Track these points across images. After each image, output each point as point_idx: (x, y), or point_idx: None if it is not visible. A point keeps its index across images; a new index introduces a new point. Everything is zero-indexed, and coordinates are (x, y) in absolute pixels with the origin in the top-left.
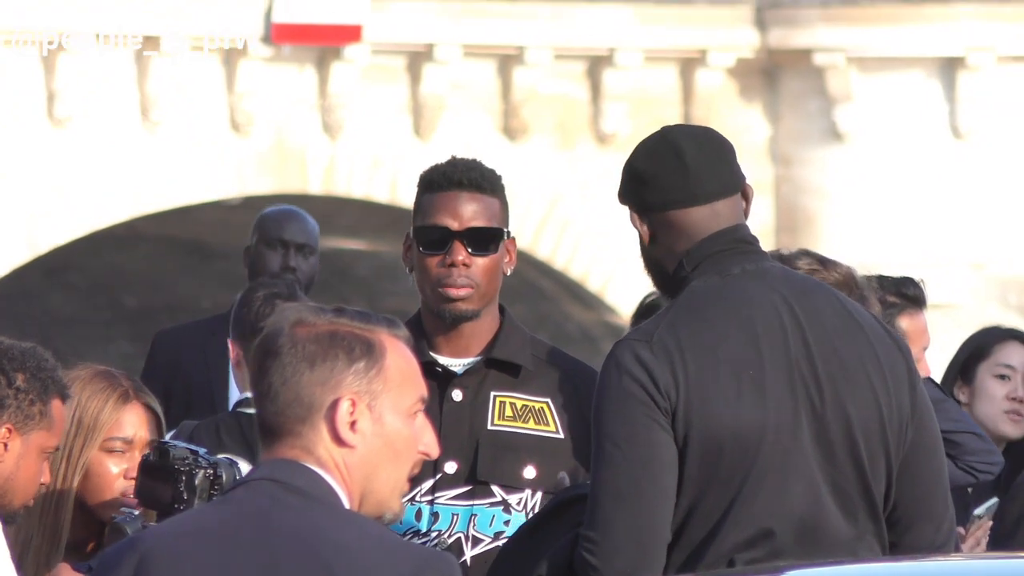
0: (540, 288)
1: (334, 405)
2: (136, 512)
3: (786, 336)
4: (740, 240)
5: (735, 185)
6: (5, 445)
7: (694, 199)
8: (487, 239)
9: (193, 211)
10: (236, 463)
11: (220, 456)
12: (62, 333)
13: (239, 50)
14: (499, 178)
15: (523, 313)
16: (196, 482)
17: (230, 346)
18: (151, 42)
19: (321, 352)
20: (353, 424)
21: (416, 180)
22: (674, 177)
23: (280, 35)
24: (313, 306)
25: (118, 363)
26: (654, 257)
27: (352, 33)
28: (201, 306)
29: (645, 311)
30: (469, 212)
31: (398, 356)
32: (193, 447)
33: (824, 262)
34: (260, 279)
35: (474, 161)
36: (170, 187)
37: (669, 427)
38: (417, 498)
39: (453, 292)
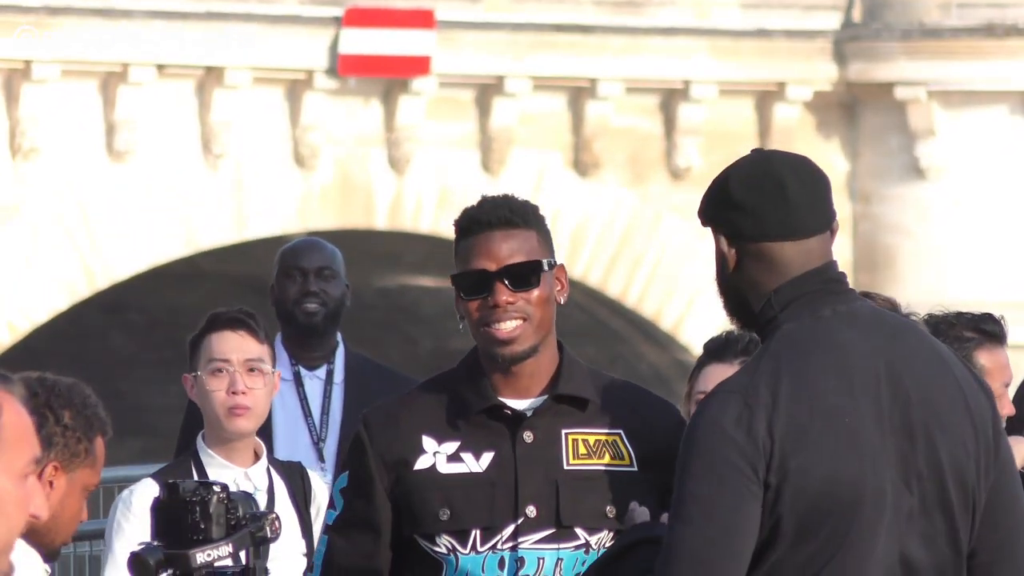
0: (611, 327)
1: None
2: (155, 543)
3: (880, 384)
4: (831, 279)
5: (829, 221)
6: (51, 483)
7: (792, 233)
8: (527, 273)
9: (255, 247)
10: (252, 496)
11: (236, 491)
12: (123, 373)
13: (304, 82)
14: (534, 209)
15: (594, 353)
16: (211, 509)
17: (183, 380)
18: (213, 74)
19: None
20: None
21: None
22: (774, 209)
23: (346, 67)
24: None
25: (179, 403)
26: (735, 284)
27: (420, 65)
28: None
29: (718, 348)
30: (505, 251)
31: (13, 413)
32: (202, 480)
33: (868, 295)
34: (215, 311)
35: (504, 197)
36: (231, 222)
37: (760, 489)
38: (498, 546)
39: (500, 334)
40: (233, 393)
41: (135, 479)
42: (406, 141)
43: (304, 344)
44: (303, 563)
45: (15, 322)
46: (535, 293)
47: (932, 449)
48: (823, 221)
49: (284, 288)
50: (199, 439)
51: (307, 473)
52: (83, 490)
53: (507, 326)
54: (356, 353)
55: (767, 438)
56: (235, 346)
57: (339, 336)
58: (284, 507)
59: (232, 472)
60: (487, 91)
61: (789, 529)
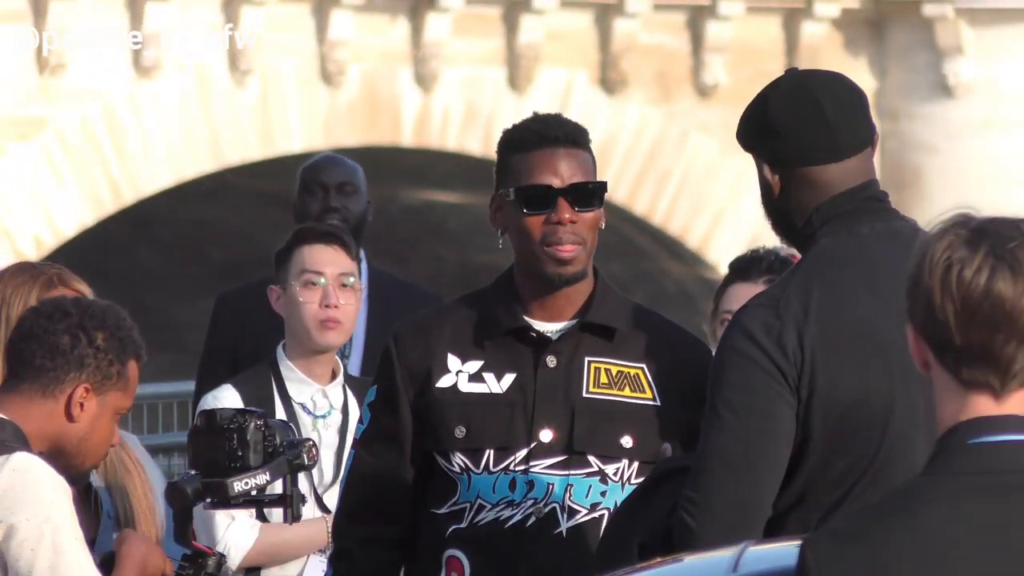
0: (637, 245)
1: None
2: (193, 472)
3: None
4: (871, 197)
5: (869, 137)
6: (82, 405)
7: (834, 155)
8: (591, 194)
9: (282, 163)
10: (290, 425)
11: (274, 419)
12: (149, 288)
13: None
14: (587, 132)
15: (619, 271)
16: (248, 436)
17: (269, 292)
18: None
19: None
20: None
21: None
22: (814, 132)
23: None
24: None
25: (205, 318)
26: (782, 208)
27: None
28: None
29: (743, 267)
30: (569, 169)
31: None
32: (240, 407)
33: None
34: (301, 225)
35: (561, 116)
36: (258, 138)
37: (793, 397)
38: (511, 467)
39: (562, 252)
40: (326, 306)
41: (163, 396)
42: (433, 58)
43: None
44: None
45: (42, 236)
46: (592, 215)
47: None
48: (864, 138)
49: (305, 204)
50: (279, 350)
51: None
52: (114, 413)
53: (568, 246)
54: (379, 269)
55: (797, 349)
56: (329, 259)
57: (362, 252)
58: (355, 424)
59: (310, 388)
60: (514, 8)
61: (819, 443)
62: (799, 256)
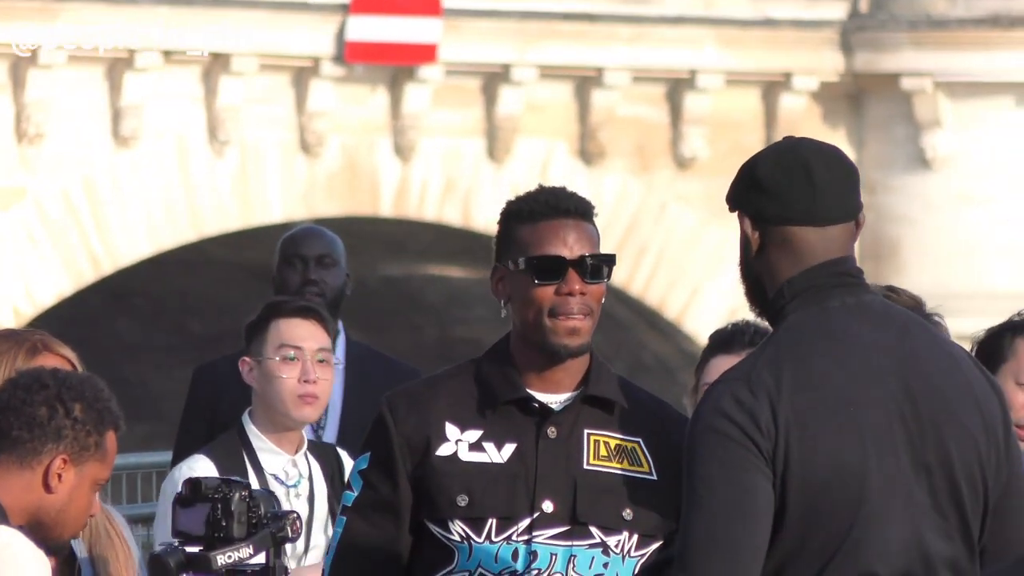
0: (615, 316)
1: None
2: (176, 543)
3: (886, 376)
4: (845, 273)
5: (854, 212)
6: (60, 476)
7: (815, 219)
8: (600, 266)
9: (260, 234)
10: (275, 496)
11: (257, 488)
12: (127, 358)
13: (310, 69)
14: (593, 206)
15: (598, 342)
16: (232, 507)
17: (240, 364)
18: (220, 60)
19: None
20: None
21: (489, 204)
22: (799, 193)
23: (353, 54)
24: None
25: (183, 388)
26: (756, 270)
27: (426, 53)
28: None
29: (724, 340)
30: (579, 240)
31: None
32: (225, 477)
33: (894, 289)
34: (275, 298)
35: (567, 189)
36: (237, 209)
37: (769, 471)
38: (513, 537)
39: (570, 324)
40: (305, 382)
41: (141, 466)
42: (412, 129)
43: None
44: None
45: (20, 307)
46: (599, 288)
47: (941, 443)
48: (848, 211)
49: (285, 276)
50: (245, 419)
51: (338, 454)
52: (93, 484)
53: (577, 317)
54: (357, 342)
55: (771, 424)
56: (307, 334)
57: (340, 324)
58: (321, 492)
59: (281, 459)
60: (493, 79)
61: (795, 517)
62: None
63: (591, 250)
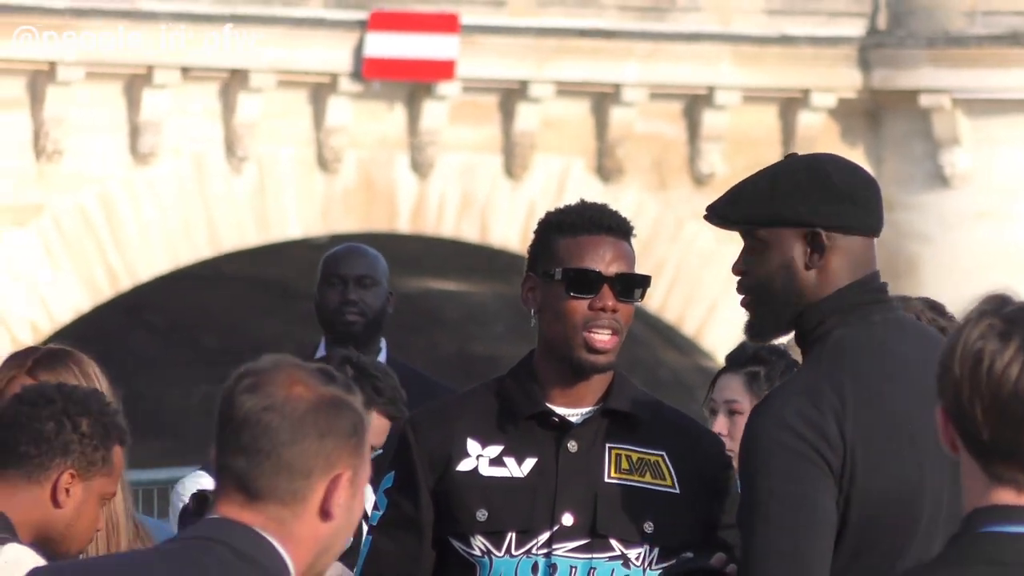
0: (632, 332)
1: (336, 479)
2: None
3: (930, 392)
4: (879, 289)
5: (882, 225)
6: (67, 491)
7: (875, 229)
8: (634, 285)
9: (278, 250)
10: None
11: None
12: (143, 374)
13: (328, 85)
14: (632, 227)
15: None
16: None
17: None
18: (238, 76)
19: (325, 422)
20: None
21: (506, 220)
22: (875, 203)
23: (371, 70)
24: (308, 366)
25: (200, 405)
26: (799, 285)
27: (444, 69)
28: (284, 348)
29: (733, 355)
30: (616, 258)
31: (368, 428)
32: None
33: (905, 298)
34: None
35: (609, 206)
36: (254, 225)
37: (835, 487)
38: (533, 550)
39: (600, 339)
40: None
41: (157, 482)
42: (429, 145)
43: None
44: None
45: (38, 323)
46: (631, 307)
47: None
48: (881, 223)
49: (325, 296)
50: None
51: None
52: (100, 498)
53: (606, 333)
54: (398, 360)
55: (839, 440)
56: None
57: (383, 342)
58: None
59: None
60: (511, 96)
61: (853, 535)
62: (792, 348)
63: (627, 269)
